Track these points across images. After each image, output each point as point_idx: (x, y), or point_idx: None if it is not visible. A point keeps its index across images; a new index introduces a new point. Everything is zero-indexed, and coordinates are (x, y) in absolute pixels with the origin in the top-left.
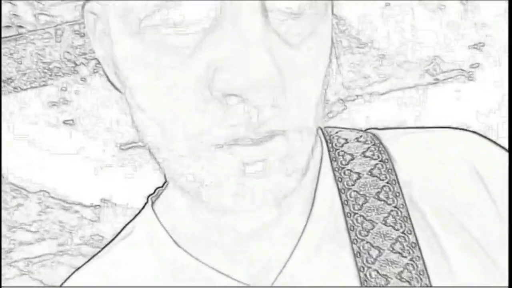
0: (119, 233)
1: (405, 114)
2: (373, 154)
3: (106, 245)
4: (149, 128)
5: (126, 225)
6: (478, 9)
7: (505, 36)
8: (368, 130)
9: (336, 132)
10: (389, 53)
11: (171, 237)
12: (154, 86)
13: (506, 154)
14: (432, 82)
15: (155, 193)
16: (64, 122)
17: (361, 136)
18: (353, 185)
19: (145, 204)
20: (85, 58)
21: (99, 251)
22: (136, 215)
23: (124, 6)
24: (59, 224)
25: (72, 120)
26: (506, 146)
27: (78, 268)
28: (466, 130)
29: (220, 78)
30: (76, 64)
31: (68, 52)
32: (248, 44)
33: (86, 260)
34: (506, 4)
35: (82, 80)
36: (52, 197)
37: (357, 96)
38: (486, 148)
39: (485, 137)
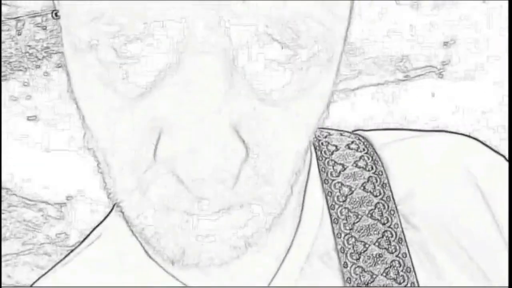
0: (87, 236)
1: (377, 109)
2: (366, 165)
3: (73, 251)
4: (96, 151)
5: (95, 228)
6: (451, 6)
7: (477, 35)
8: (357, 132)
9: (325, 137)
10: (361, 49)
11: (142, 245)
12: (98, 121)
13: (506, 163)
14: (403, 79)
15: None
16: (28, 118)
17: (352, 142)
18: (344, 201)
19: (115, 205)
20: (47, 52)
21: (65, 257)
22: (106, 217)
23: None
24: (23, 223)
25: (35, 116)
26: (506, 147)
27: (44, 274)
28: (464, 135)
29: (162, 147)
30: (39, 58)
31: (29, 46)
32: (199, 109)
33: (50, 259)
34: (477, 2)
35: (45, 75)
36: (16, 195)
37: None
38: (486, 158)
39: (484, 144)
